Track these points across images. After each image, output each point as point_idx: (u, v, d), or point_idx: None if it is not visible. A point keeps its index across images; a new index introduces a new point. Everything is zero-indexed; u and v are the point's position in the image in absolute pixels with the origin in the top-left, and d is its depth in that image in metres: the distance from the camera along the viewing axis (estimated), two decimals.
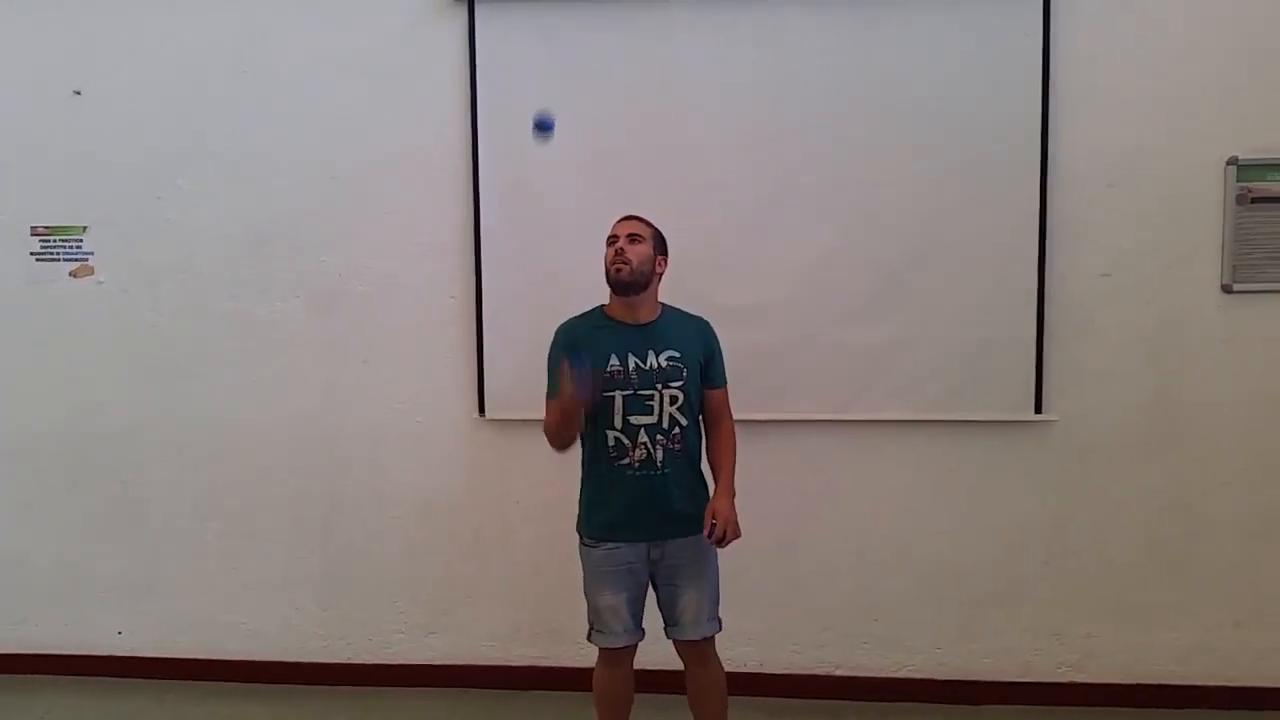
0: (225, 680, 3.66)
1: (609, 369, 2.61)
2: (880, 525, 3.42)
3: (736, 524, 2.59)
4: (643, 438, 2.61)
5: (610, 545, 2.66)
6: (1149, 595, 3.35)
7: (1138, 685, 3.35)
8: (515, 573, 3.56)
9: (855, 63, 3.28)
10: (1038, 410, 3.27)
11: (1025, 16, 3.20)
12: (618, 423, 2.62)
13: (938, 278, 3.29)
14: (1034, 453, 3.34)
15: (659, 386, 2.61)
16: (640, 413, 2.61)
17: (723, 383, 2.76)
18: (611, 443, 2.63)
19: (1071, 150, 3.24)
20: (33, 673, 3.75)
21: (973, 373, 3.29)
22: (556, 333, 2.73)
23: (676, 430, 2.63)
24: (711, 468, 2.73)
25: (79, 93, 3.60)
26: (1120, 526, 3.34)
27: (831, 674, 3.47)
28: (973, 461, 3.37)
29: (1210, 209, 3.23)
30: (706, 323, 2.77)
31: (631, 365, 2.61)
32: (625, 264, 2.60)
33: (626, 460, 2.62)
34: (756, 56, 3.31)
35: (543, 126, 2.82)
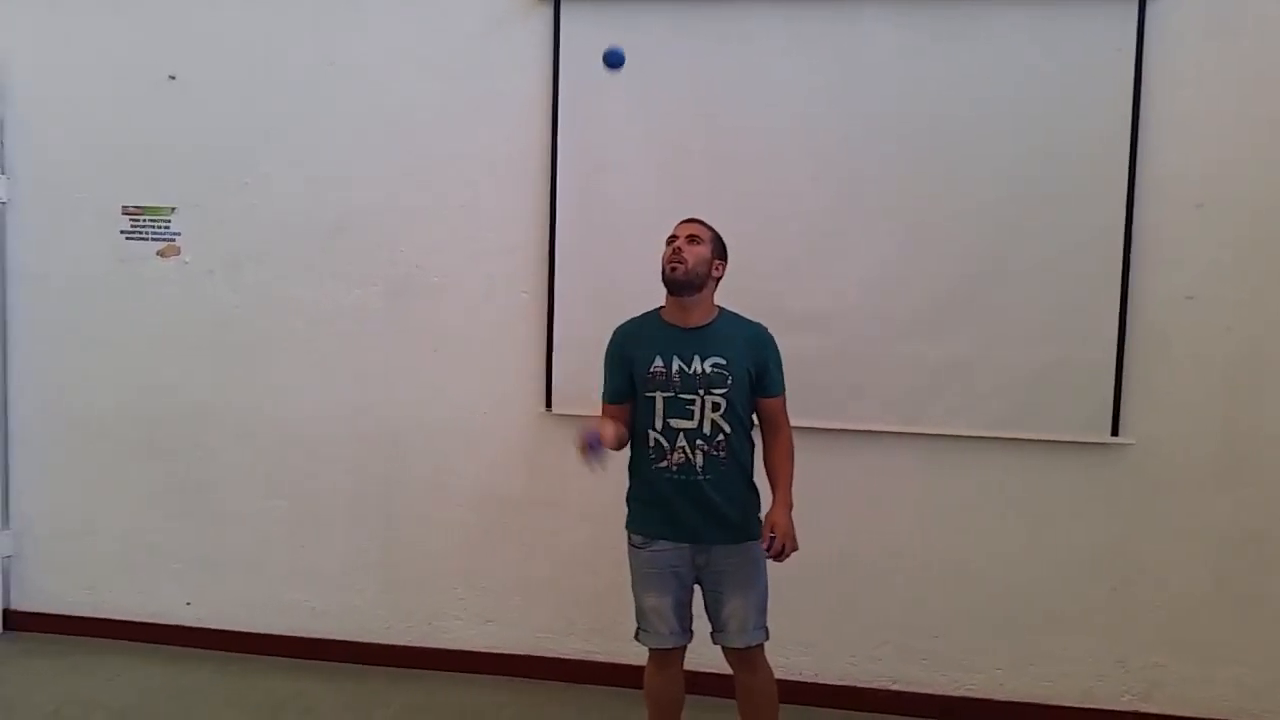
0: (287, 656, 3.75)
1: (650, 370, 2.62)
2: (943, 541, 3.38)
3: (794, 537, 2.57)
4: (681, 441, 2.61)
5: (654, 547, 2.67)
6: (1220, 629, 3.26)
7: None
8: (572, 567, 3.59)
9: (937, 75, 3.25)
10: (1114, 433, 3.21)
11: (1118, 33, 3.14)
12: (658, 424, 2.62)
13: (1014, 292, 3.24)
14: (1106, 476, 3.27)
15: (701, 392, 2.60)
16: (680, 416, 2.61)
17: (778, 391, 2.71)
18: (651, 444, 2.64)
19: (1160, 169, 3.17)
20: (103, 636, 3.88)
21: (1046, 391, 3.24)
22: (613, 334, 2.77)
23: (720, 437, 2.61)
24: (769, 477, 2.70)
25: (174, 78, 3.72)
26: (1192, 556, 3.26)
27: (888, 688, 3.43)
28: (1042, 481, 3.31)
29: None
30: (763, 329, 2.72)
31: (675, 368, 2.61)
32: (681, 263, 2.60)
33: (665, 463, 2.62)
34: (835, 65, 3.30)
35: (612, 61, 2.81)
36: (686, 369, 2.61)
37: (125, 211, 3.77)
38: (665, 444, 2.62)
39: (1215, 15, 3.13)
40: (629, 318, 2.78)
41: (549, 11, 3.43)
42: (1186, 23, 3.14)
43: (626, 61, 3.24)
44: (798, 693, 3.35)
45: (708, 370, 2.61)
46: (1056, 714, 3.34)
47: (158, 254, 3.76)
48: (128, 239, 3.78)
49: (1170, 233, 3.18)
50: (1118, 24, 3.14)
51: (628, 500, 2.76)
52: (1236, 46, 3.13)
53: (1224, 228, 3.17)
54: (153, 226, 3.76)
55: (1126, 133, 3.15)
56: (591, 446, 2.48)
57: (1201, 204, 3.17)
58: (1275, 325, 3.17)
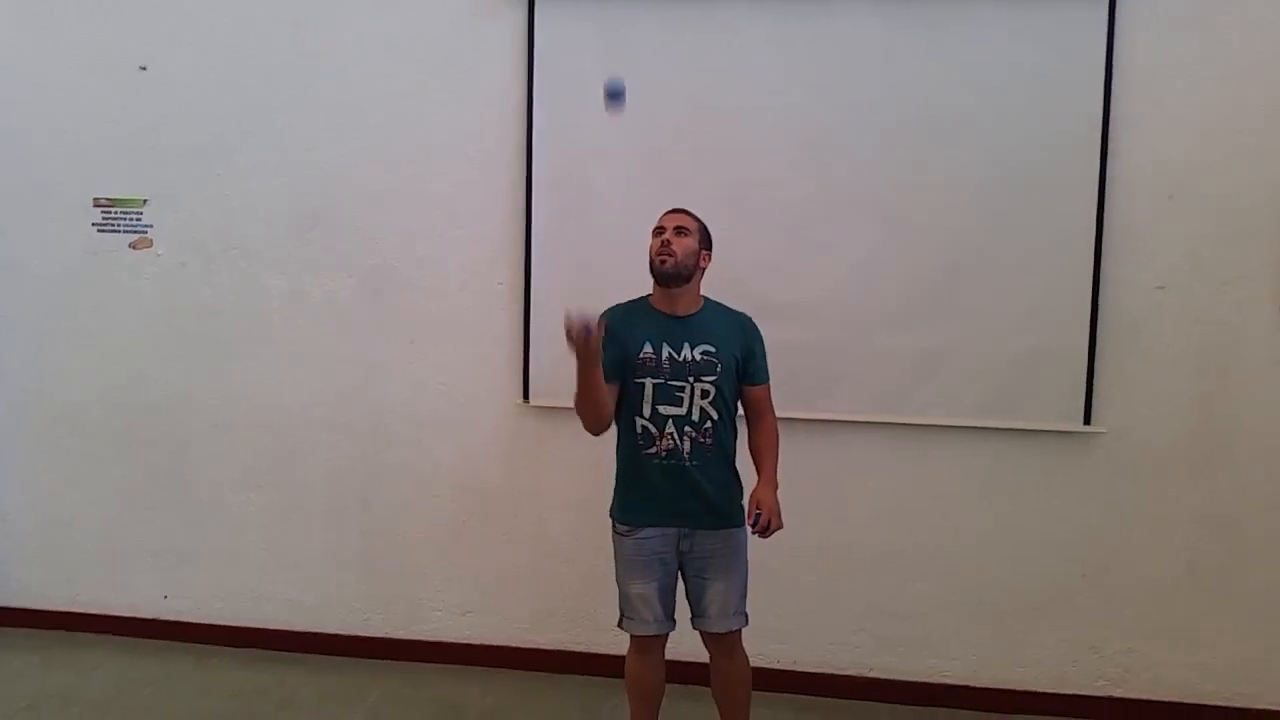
0: (264, 649, 3.75)
1: (641, 356, 2.63)
2: (919, 529, 3.40)
3: (779, 514, 2.60)
4: (669, 428, 2.63)
5: (640, 535, 2.68)
6: (1191, 613, 3.30)
7: (1176, 704, 3.31)
8: (550, 557, 3.60)
9: (915, 66, 3.26)
10: (1086, 421, 3.24)
11: (1090, 26, 3.16)
12: (646, 411, 2.64)
13: (988, 283, 3.26)
14: (1079, 464, 3.30)
15: (690, 379, 2.62)
16: (669, 403, 2.62)
17: (764, 379, 2.75)
18: (639, 430, 2.65)
19: (1131, 161, 3.19)
20: (80, 630, 3.86)
21: (1020, 381, 3.26)
22: (602, 314, 2.74)
23: (708, 424, 2.64)
24: (754, 460, 2.72)
25: (144, 68, 3.68)
26: (1164, 543, 3.29)
27: (864, 675, 3.46)
28: (1016, 470, 3.34)
29: (1271, 226, 3.16)
30: (749, 319, 2.76)
31: (665, 355, 2.63)
32: (670, 256, 2.62)
33: (653, 449, 2.64)
34: (814, 56, 3.30)
35: (613, 95, 2.65)
36: (676, 356, 2.63)
37: (97, 204, 3.74)
38: (653, 430, 2.64)
39: (1186, 7, 3.15)
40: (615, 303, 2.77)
41: (524, 1, 3.41)
42: (1158, 15, 3.16)
43: (609, 55, 3.25)
44: (775, 680, 3.38)
45: (697, 358, 2.63)
46: (1031, 699, 3.37)
47: (130, 246, 3.73)
48: (99, 231, 3.74)
49: (1142, 224, 3.21)
50: (1090, 17, 3.15)
51: (615, 488, 2.77)
52: (1208, 39, 3.15)
53: (1195, 219, 3.19)
54: (125, 219, 3.73)
55: (1098, 125, 3.17)
56: (586, 329, 2.38)
57: (1173, 195, 3.19)
58: (1245, 315, 3.20)
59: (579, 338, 2.39)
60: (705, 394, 2.63)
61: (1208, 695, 3.31)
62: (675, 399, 2.62)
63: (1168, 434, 3.26)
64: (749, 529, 2.61)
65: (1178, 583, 3.30)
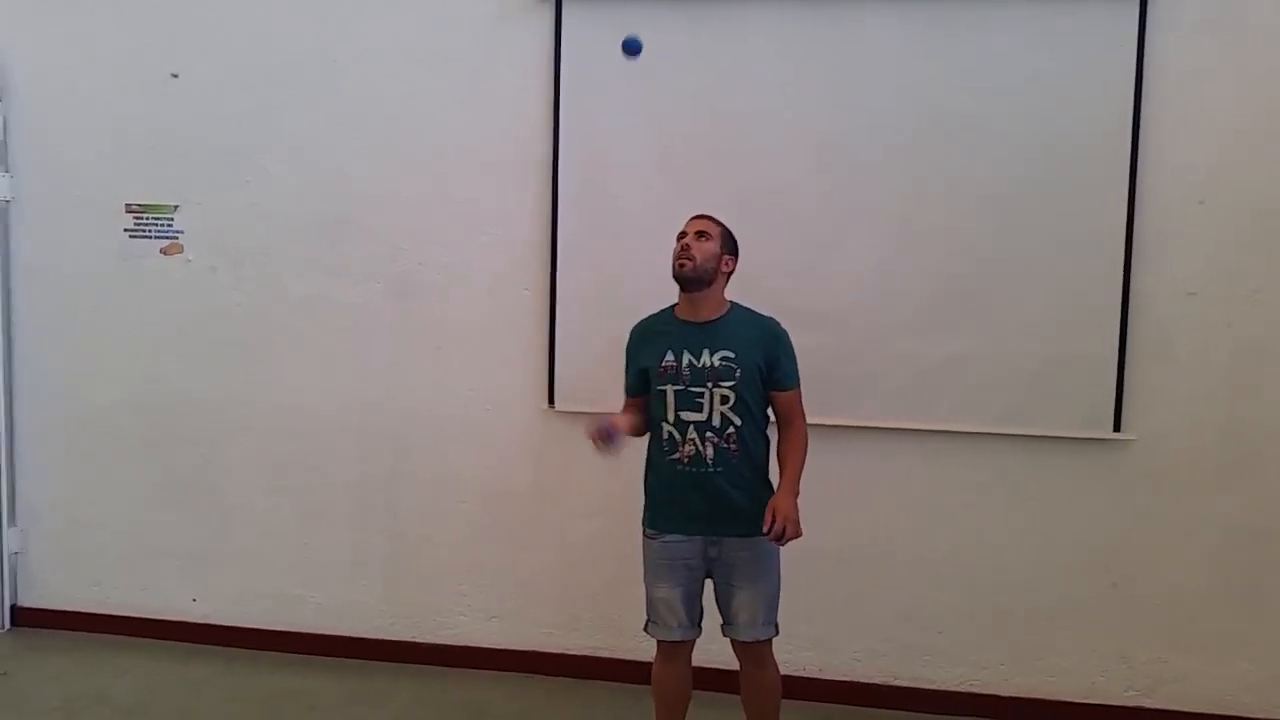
0: (292, 652, 3.76)
1: (663, 364, 2.66)
2: (947, 537, 3.38)
3: (797, 522, 2.56)
4: (692, 434, 2.63)
5: (667, 538, 2.69)
6: (1222, 623, 3.26)
7: (1207, 715, 3.27)
8: (576, 563, 3.60)
9: (939, 71, 3.24)
10: (1116, 429, 3.21)
11: (1120, 28, 3.13)
12: (670, 417, 2.66)
13: (1016, 288, 3.24)
14: (1108, 472, 3.27)
15: (709, 385, 2.62)
16: (690, 409, 2.64)
17: (791, 385, 2.72)
18: (665, 436, 2.67)
19: (1162, 165, 3.16)
20: (109, 633, 3.89)
21: (1048, 387, 3.24)
22: (630, 331, 2.82)
23: (730, 430, 2.63)
24: (779, 466, 2.71)
25: (176, 75, 3.72)
26: (1194, 552, 3.26)
27: (891, 684, 3.44)
28: (1044, 477, 3.31)
29: None
30: (774, 323, 2.74)
31: (685, 362, 2.64)
32: (689, 260, 2.64)
33: (677, 455, 2.65)
34: (836, 62, 3.30)
35: (631, 48, 2.92)
36: (695, 362, 2.64)
37: (129, 210, 3.78)
38: (677, 436, 2.65)
39: (1217, 12, 3.13)
40: (645, 314, 2.82)
41: (551, 6, 3.43)
42: (1188, 19, 3.13)
43: (629, 61, 3.25)
44: (802, 688, 3.36)
45: (716, 364, 2.63)
46: (1060, 709, 3.34)
47: (161, 252, 3.77)
48: (131, 237, 3.78)
49: (1172, 229, 3.18)
50: (1119, 20, 3.13)
51: (645, 492, 2.78)
52: (1238, 43, 3.13)
53: (1226, 224, 3.16)
54: (156, 225, 3.77)
55: (1128, 129, 3.15)
56: (607, 438, 2.58)
57: (1203, 200, 3.16)
58: (1276, 322, 3.16)
59: (601, 446, 2.61)
60: (725, 399, 2.63)
61: (1240, 707, 3.26)
62: (696, 405, 2.63)
63: (1198, 442, 3.22)
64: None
65: (1209, 592, 3.26)
